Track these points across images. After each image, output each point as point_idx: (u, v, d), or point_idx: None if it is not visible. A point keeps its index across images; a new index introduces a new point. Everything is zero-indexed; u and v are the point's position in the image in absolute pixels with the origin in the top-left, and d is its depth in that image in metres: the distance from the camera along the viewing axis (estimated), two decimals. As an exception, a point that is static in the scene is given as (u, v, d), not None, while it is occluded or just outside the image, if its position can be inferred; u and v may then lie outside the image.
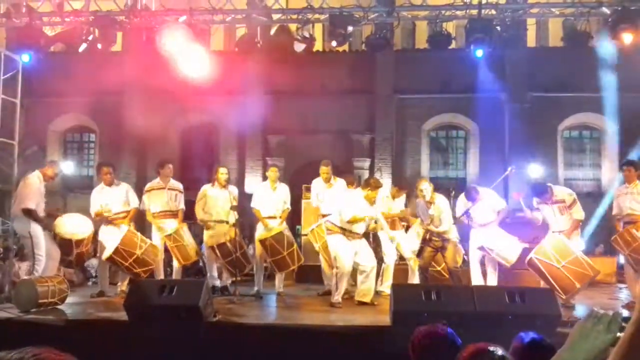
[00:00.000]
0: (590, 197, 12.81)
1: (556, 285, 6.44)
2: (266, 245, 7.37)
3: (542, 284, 6.96)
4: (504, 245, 7.26)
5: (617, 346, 1.19)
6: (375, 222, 7.13)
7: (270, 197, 7.76)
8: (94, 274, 9.14)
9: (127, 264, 7.05)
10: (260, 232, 7.70)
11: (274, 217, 7.71)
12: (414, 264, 7.78)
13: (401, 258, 8.33)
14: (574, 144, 15.12)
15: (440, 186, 13.94)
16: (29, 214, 6.83)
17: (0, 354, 0.89)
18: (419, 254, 7.48)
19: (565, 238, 6.82)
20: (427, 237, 7.27)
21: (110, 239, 7.34)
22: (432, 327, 2.50)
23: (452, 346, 2.42)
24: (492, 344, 1.96)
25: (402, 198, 8.14)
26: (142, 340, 5.13)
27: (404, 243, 7.72)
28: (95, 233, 8.02)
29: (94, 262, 9.09)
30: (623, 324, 1.29)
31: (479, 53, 7.55)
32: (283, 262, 7.43)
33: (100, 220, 7.54)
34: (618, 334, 1.28)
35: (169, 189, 7.78)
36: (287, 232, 7.56)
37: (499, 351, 1.91)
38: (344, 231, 6.83)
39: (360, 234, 6.98)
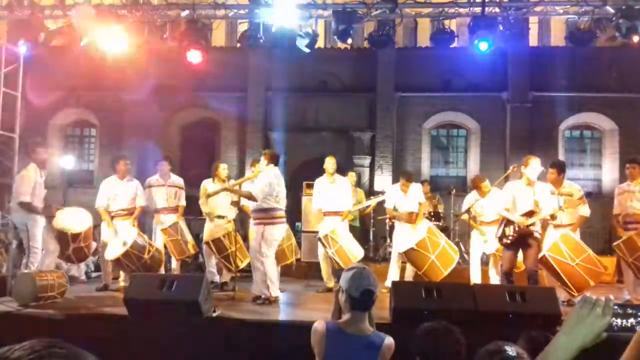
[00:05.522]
0: (591, 197, 12.79)
1: (569, 283, 6.41)
2: None
3: (548, 282, 6.92)
4: None
5: (633, 340, 1.19)
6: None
7: None
8: (92, 269, 9.12)
9: (134, 267, 7.01)
10: None
11: None
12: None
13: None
14: (575, 143, 15.10)
15: (440, 185, 14.01)
16: (26, 207, 6.81)
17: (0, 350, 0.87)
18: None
19: (575, 235, 6.78)
20: (513, 233, 6.22)
21: (114, 236, 7.32)
22: (437, 324, 2.47)
23: (457, 344, 2.40)
24: (507, 343, 1.94)
25: (415, 192, 7.62)
26: (141, 335, 5.12)
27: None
28: (97, 226, 7.96)
29: (90, 258, 9.05)
30: (616, 309, 1.32)
31: (483, 46, 7.43)
32: (282, 255, 7.42)
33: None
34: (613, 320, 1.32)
35: (169, 185, 7.75)
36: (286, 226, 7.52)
37: (515, 351, 1.88)
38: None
39: None
